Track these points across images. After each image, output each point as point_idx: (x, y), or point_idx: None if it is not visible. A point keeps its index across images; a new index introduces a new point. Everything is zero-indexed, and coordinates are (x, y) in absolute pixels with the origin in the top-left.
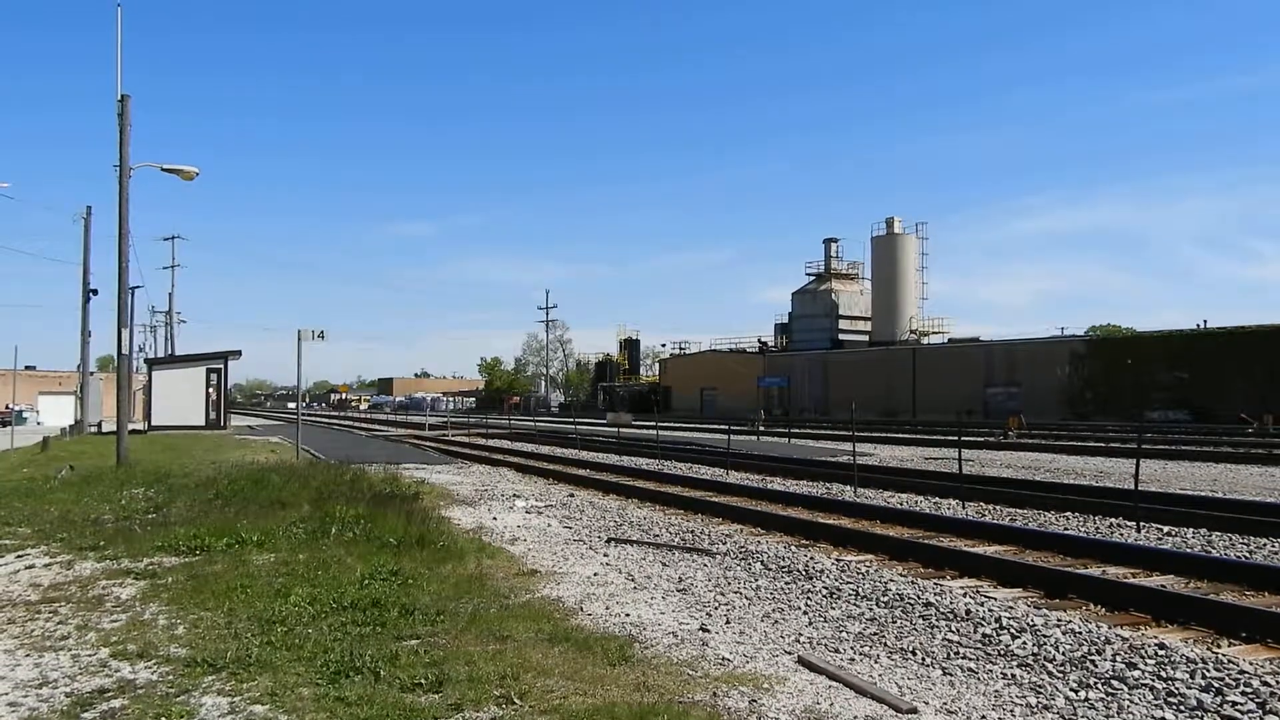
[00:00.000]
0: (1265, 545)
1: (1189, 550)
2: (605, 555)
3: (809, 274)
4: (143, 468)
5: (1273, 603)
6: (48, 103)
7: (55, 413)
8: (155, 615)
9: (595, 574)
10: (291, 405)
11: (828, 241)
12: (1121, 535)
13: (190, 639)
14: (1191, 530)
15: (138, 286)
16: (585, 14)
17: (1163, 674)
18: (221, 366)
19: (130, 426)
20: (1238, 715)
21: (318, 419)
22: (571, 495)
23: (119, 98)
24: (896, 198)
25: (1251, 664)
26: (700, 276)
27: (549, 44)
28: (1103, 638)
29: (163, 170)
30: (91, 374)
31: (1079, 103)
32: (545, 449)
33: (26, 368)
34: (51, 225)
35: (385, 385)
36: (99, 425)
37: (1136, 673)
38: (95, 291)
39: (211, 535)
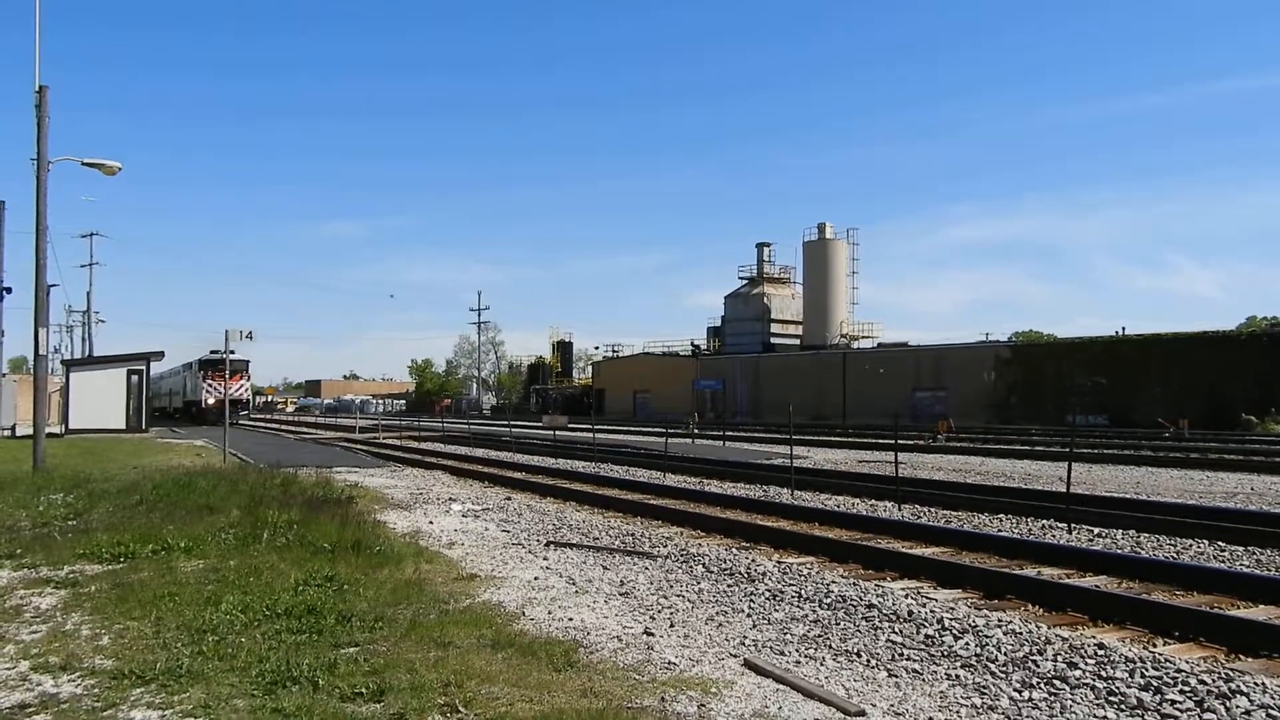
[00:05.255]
0: (1190, 546)
1: (1120, 551)
2: (545, 559)
3: (741, 278)
4: (61, 472)
5: (1203, 602)
6: None
7: None
8: (78, 625)
9: (536, 578)
10: None
11: (760, 246)
12: (1054, 537)
13: (116, 650)
14: (1120, 532)
15: (54, 285)
16: (518, 15)
17: (1103, 673)
18: (143, 368)
19: (46, 430)
20: (1177, 714)
21: (243, 422)
22: (508, 498)
23: (37, 89)
24: (827, 205)
25: (1188, 663)
26: (632, 280)
27: (479, 45)
28: (1043, 638)
29: (83, 165)
30: (3, 375)
31: (999, 114)
32: (480, 452)
33: None
34: None
35: (313, 387)
36: (13, 429)
37: (1078, 672)
38: (9, 290)
39: (136, 542)
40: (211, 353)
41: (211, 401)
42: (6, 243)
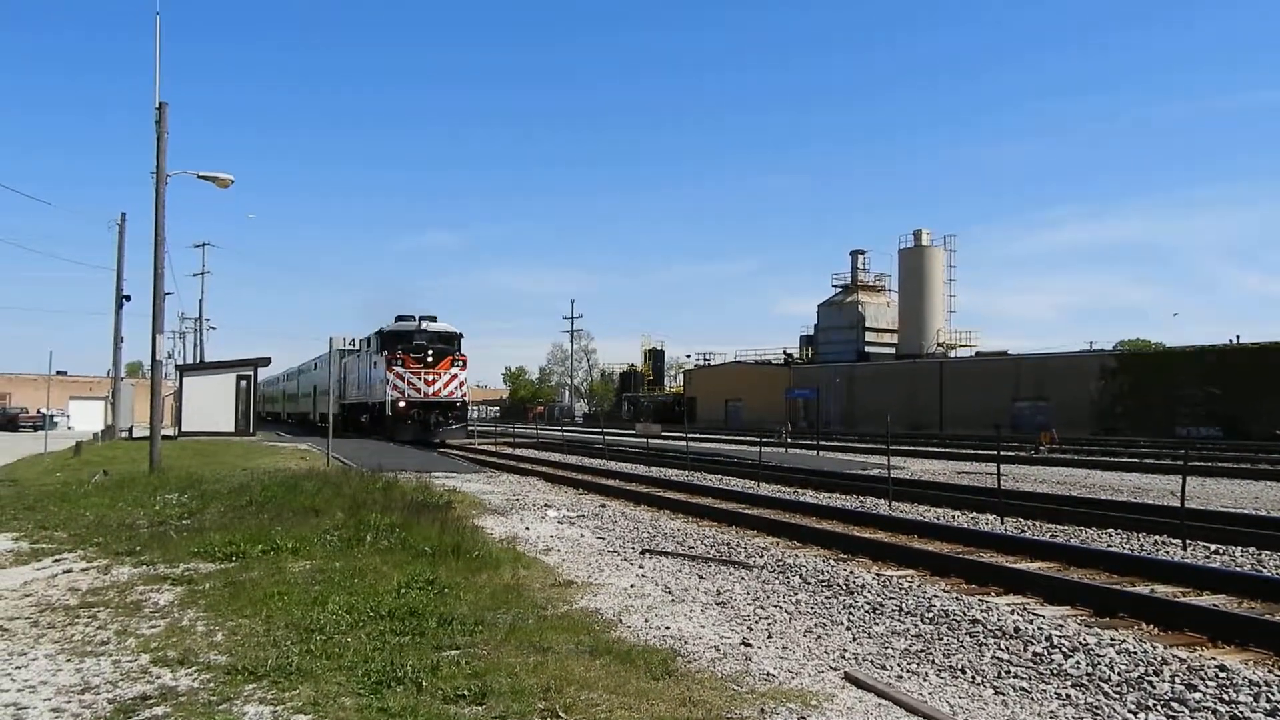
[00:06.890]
0: None
1: (1240, 569)
2: (640, 567)
3: (835, 286)
4: (175, 473)
5: None
6: (80, 107)
7: (85, 417)
8: (194, 621)
9: (632, 585)
10: None
11: (854, 253)
12: (1167, 553)
13: (230, 646)
14: (1239, 549)
15: (170, 293)
16: (604, 24)
17: (1225, 696)
18: (251, 374)
19: (161, 432)
20: None
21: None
22: (603, 506)
23: (157, 105)
24: (919, 210)
25: None
26: (723, 287)
27: (569, 54)
28: (1159, 658)
29: (199, 177)
30: (121, 379)
31: (1095, 116)
32: (573, 459)
33: (58, 373)
34: (81, 230)
35: None
36: (130, 430)
37: (1197, 695)
38: (129, 297)
39: (246, 542)
40: (398, 320)
41: (403, 404)
42: (126, 252)
